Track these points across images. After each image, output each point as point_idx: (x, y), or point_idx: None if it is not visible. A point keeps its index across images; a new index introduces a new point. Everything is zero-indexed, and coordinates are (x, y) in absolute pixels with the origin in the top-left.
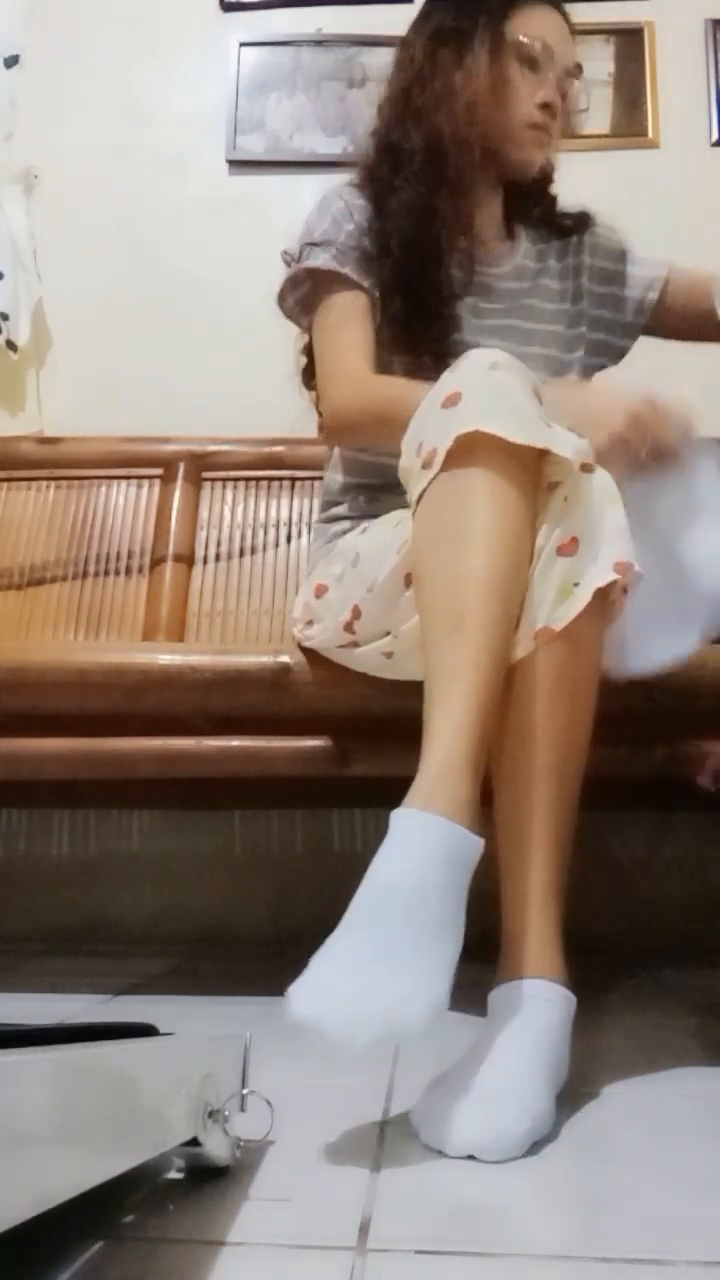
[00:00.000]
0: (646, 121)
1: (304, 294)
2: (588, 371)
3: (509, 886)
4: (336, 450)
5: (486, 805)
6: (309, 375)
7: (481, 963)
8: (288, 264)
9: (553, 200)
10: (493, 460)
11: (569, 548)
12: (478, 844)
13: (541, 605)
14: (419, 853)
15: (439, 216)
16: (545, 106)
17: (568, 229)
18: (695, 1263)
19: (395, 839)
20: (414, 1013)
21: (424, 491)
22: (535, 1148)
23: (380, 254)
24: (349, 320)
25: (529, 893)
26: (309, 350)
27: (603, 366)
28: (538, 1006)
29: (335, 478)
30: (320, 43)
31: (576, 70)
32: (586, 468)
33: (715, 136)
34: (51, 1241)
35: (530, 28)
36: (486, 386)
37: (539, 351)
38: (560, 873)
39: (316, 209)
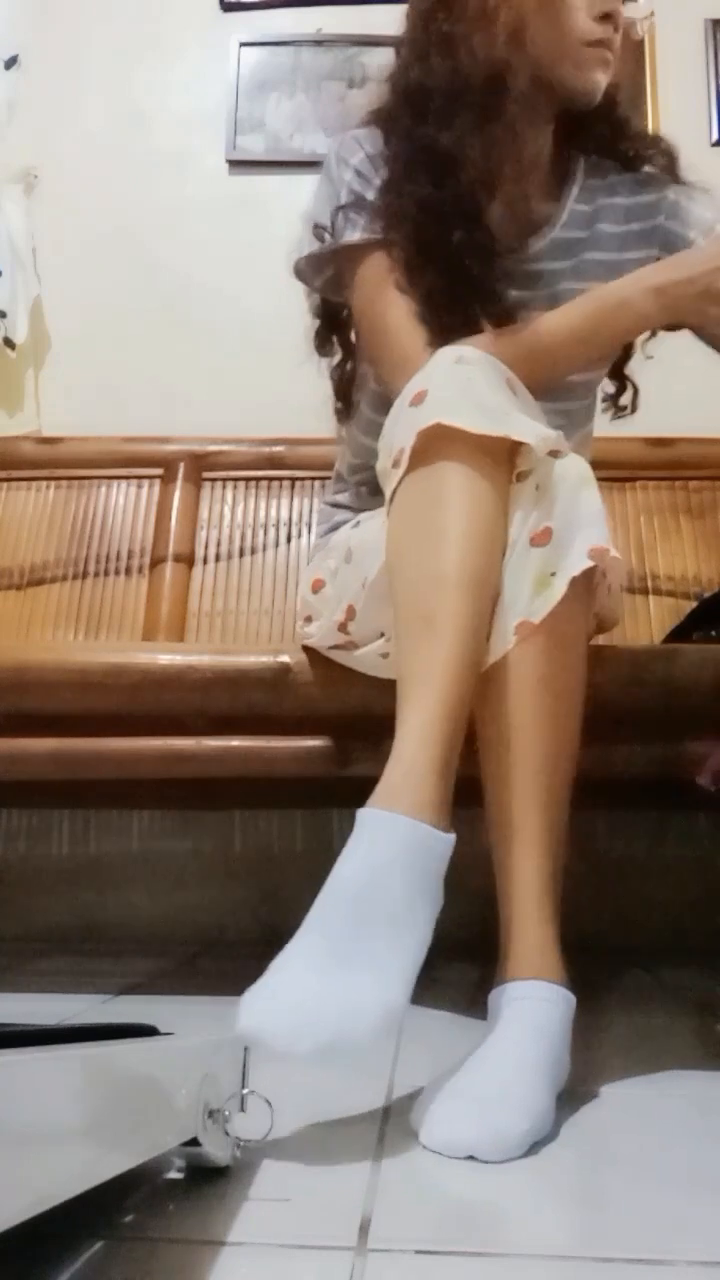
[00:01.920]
0: (646, 121)
1: (337, 269)
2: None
3: (503, 888)
4: (349, 429)
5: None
6: (323, 340)
7: (484, 963)
8: (320, 238)
9: (620, 125)
10: (460, 454)
11: (542, 538)
12: (446, 841)
13: (518, 599)
14: (378, 853)
15: (470, 168)
16: (605, 17)
17: (640, 166)
18: (695, 1263)
19: (356, 839)
20: (364, 1020)
21: (394, 491)
22: (535, 1148)
23: (401, 218)
24: (395, 295)
25: (523, 893)
26: (323, 311)
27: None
28: (537, 1007)
29: (345, 458)
30: (320, 43)
31: None
32: (555, 454)
33: (715, 136)
34: (51, 1241)
35: None
36: (451, 381)
37: None
38: (555, 872)
39: (336, 160)
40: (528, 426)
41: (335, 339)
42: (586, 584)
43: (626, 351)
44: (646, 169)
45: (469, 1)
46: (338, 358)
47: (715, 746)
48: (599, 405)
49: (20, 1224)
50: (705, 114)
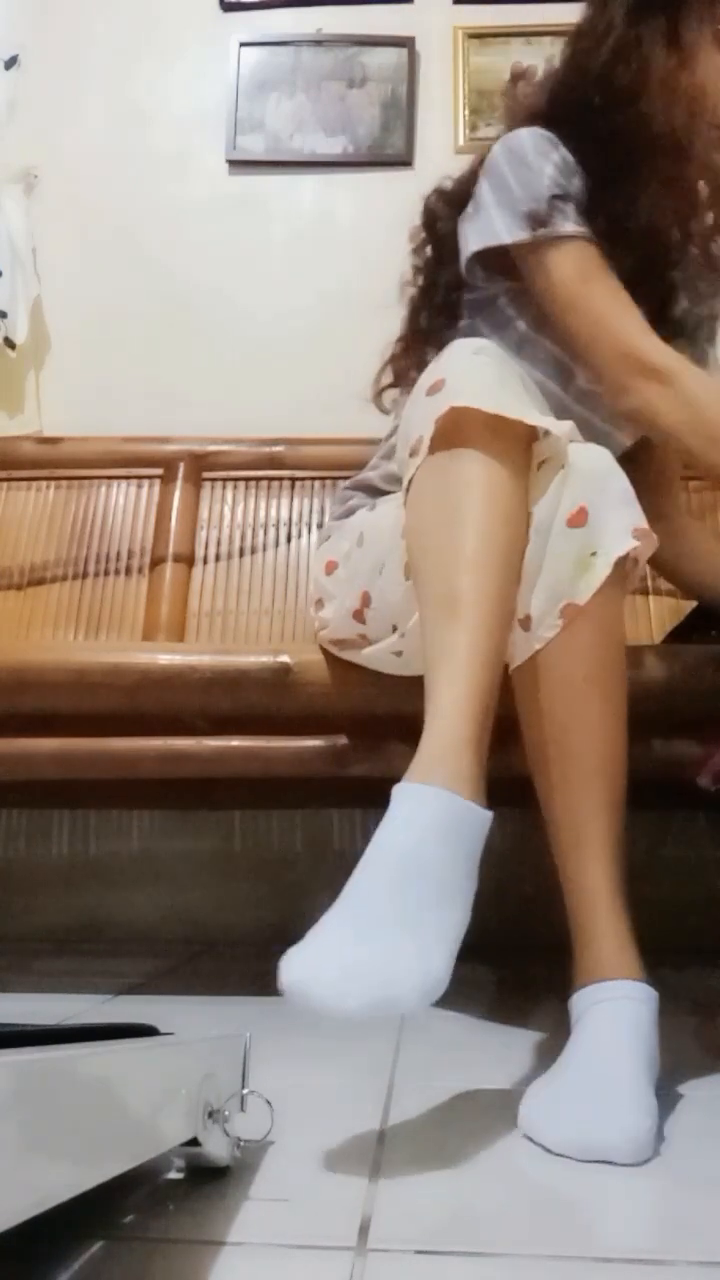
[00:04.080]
0: None
1: (531, 258)
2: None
3: (574, 890)
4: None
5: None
6: (421, 306)
7: (484, 963)
8: (533, 226)
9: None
10: (478, 438)
11: (578, 518)
12: (485, 817)
13: (561, 581)
14: (418, 824)
15: (658, 219)
16: None
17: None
18: (695, 1263)
19: (394, 813)
20: (410, 983)
21: (411, 478)
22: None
23: (605, 234)
24: (611, 281)
25: (598, 897)
26: (434, 277)
27: None
28: (632, 1006)
29: (384, 466)
30: (320, 43)
31: None
32: (576, 441)
33: None
34: (51, 1241)
35: None
36: (468, 369)
37: None
38: (622, 870)
39: (532, 149)
40: (544, 416)
41: (433, 302)
42: (630, 565)
43: None
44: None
45: (648, 63)
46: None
47: (715, 746)
48: None
49: (20, 1224)
50: None
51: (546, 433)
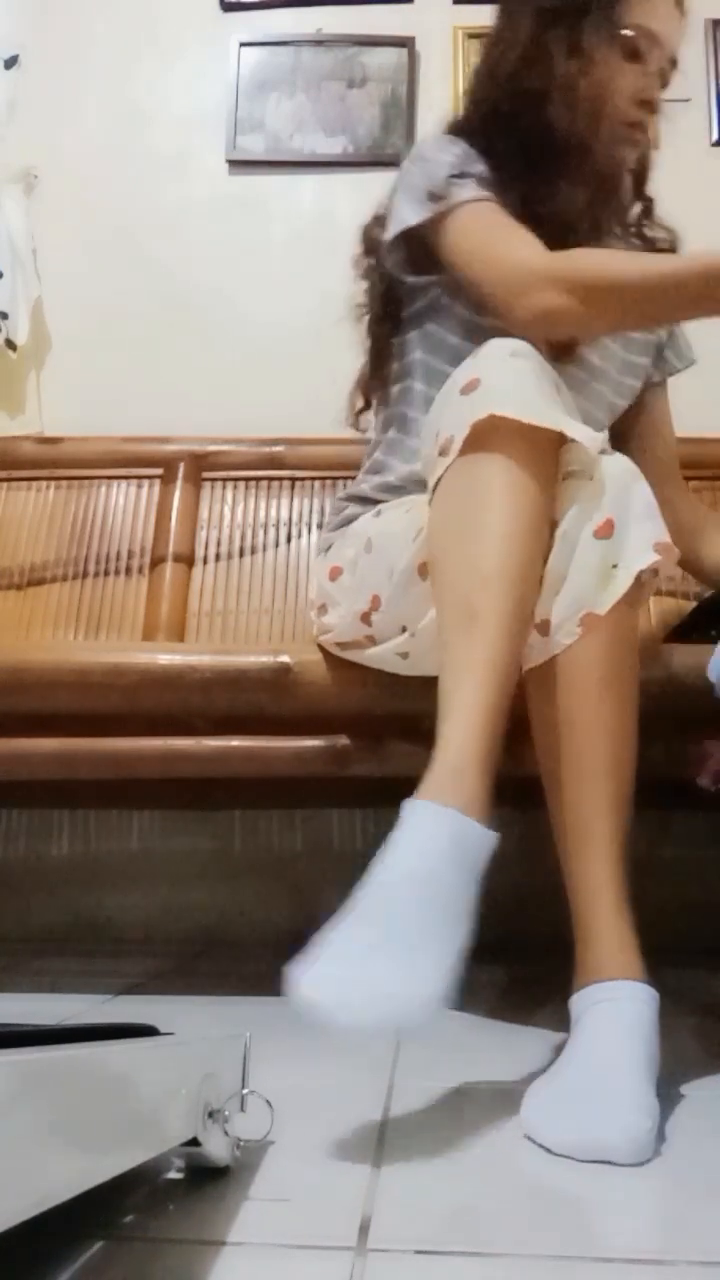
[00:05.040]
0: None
1: (433, 239)
2: (616, 408)
3: (578, 889)
4: (386, 438)
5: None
6: (375, 332)
7: (483, 963)
8: (433, 200)
9: (650, 205)
10: (509, 446)
11: (605, 530)
12: (491, 838)
13: (584, 591)
14: (430, 845)
15: (568, 206)
16: (646, 104)
17: (659, 248)
18: (695, 1263)
19: (406, 829)
20: (418, 1001)
21: (440, 479)
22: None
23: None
24: (507, 219)
25: (601, 896)
26: (383, 301)
27: (627, 407)
28: (631, 1006)
29: (373, 479)
30: (320, 43)
31: (674, 62)
32: (603, 453)
33: (715, 136)
34: (51, 1241)
35: (643, 13)
36: (505, 373)
37: (599, 388)
38: (625, 872)
39: (432, 147)
40: (579, 425)
41: (384, 328)
42: (650, 579)
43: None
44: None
45: (552, 66)
46: (370, 355)
47: (715, 746)
48: None
49: (20, 1224)
50: (705, 114)
51: (576, 444)
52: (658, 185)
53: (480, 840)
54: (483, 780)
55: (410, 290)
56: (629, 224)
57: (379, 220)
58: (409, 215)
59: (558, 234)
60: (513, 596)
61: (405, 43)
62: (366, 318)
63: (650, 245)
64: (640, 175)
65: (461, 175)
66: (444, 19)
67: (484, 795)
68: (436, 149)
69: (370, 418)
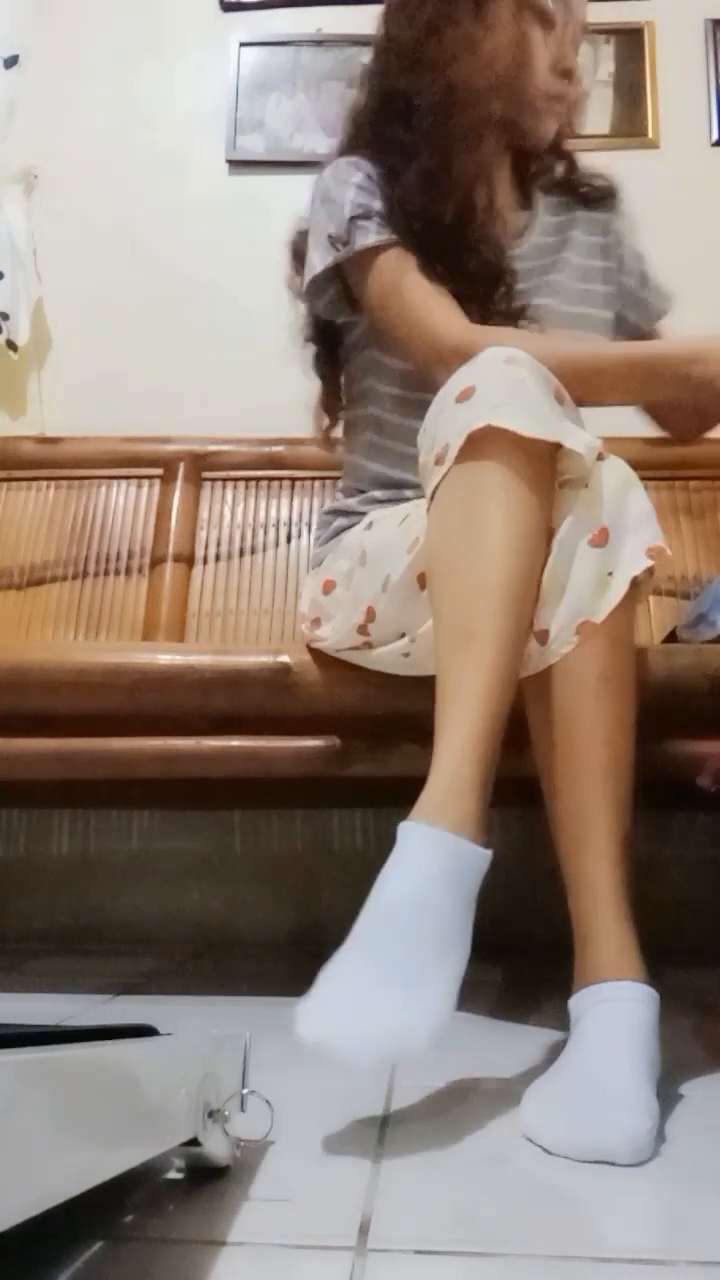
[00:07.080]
0: (646, 122)
1: (346, 282)
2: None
3: (578, 891)
4: (355, 457)
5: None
6: (323, 362)
7: (487, 963)
8: (336, 247)
9: (573, 161)
10: (505, 456)
11: (600, 538)
12: (485, 857)
13: (582, 599)
14: (426, 869)
15: (461, 187)
16: (565, 73)
17: (591, 199)
18: (695, 1263)
19: (403, 854)
20: (419, 1034)
21: (436, 488)
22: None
23: (408, 230)
24: (418, 278)
25: (601, 897)
26: (322, 336)
27: None
28: (632, 1007)
29: (358, 498)
30: (320, 43)
31: (585, 29)
32: (600, 457)
33: (715, 136)
34: (51, 1241)
35: None
36: (501, 381)
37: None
38: (627, 871)
39: (334, 183)
40: (576, 433)
41: (330, 359)
42: (646, 579)
43: None
44: (597, 212)
45: (456, 33)
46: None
47: (715, 746)
48: None
49: (20, 1224)
50: (705, 114)
51: (572, 451)
52: (659, 184)
53: (476, 861)
54: (478, 800)
55: (345, 324)
56: (555, 184)
57: (303, 235)
58: (317, 263)
59: (456, 214)
60: (510, 614)
61: None
62: (309, 345)
63: (587, 197)
64: (558, 139)
65: (365, 215)
66: None
67: (480, 814)
68: (338, 181)
69: (340, 432)
